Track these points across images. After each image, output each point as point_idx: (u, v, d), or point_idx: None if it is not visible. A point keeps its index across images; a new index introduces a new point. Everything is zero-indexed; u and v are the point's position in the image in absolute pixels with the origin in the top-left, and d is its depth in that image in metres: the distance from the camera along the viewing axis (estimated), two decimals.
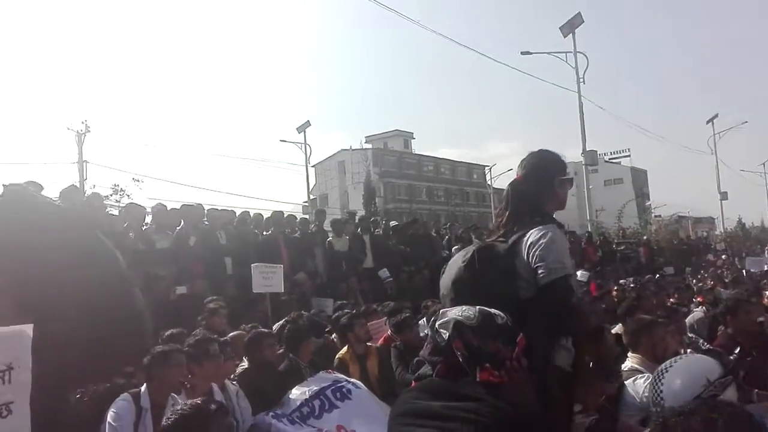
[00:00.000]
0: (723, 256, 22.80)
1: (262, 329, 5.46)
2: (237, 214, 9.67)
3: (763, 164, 43.92)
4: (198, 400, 2.76)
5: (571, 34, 21.05)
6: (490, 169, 48.33)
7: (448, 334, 1.82)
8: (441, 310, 1.92)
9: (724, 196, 35.18)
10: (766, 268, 16.32)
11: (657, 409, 1.73)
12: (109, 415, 3.51)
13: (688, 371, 1.94)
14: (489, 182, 47.51)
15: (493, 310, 1.92)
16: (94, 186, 23.34)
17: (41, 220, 1.37)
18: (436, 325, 1.87)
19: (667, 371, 1.95)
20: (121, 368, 3.31)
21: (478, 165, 63.36)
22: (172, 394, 3.78)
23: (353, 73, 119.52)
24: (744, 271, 15.48)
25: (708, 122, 34.38)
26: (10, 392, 1.68)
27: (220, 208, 9.72)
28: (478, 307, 1.91)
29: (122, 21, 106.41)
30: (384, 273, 10.22)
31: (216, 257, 8.16)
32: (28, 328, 1.73)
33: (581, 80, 21.57)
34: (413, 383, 4.70)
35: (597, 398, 2.93)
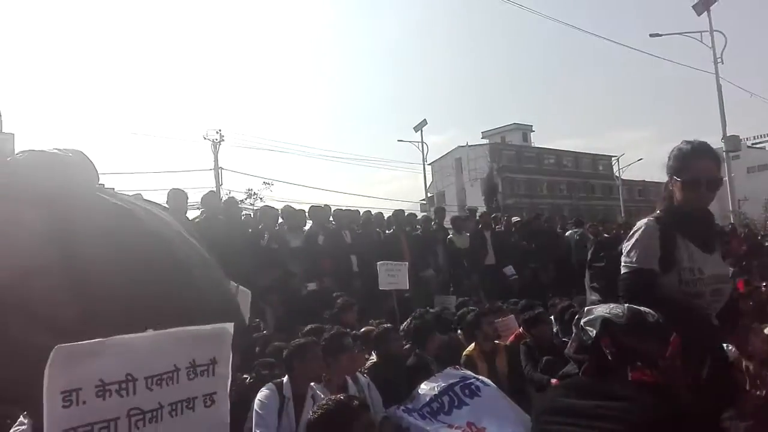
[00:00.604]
0: None
1: (389, 325, 5.61)
2: (360, 214, 9.99)
3: None
4: (341, 396, 2.89)
5: (705, 12, 19.44)
6: (618, 159, 45.73)
7: (595, 332, 1.77)
8: (586, 308, 1.88)
9: None
10: None
11: None
12: (256, 403, 3.76)
13: None
14: (617, 173, 44.98)
15: (643, 308, 1.85)
16: (230, 192, 25.06)
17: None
18: (582, 323, 1.83)
19: None
20: None
21: (605, 156, 60.29)
22: (312, 384, 3.98)
23: (468, 67, 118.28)
24: None
25: None
26: (213, 384, 1.92)
27: (344, 208, 10.07)
28: (626, 304, 1.86)
29: (245, 31, 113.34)
30: (509, 270, 10.06)
31: (342, 255, 8.48)
32: (230, 326, 1.98)
33: (719, 60, 19.85)
34: (555, 381, 4.65)
35: (752, 402, 2.71)
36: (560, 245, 11.63)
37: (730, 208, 21.45)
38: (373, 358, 5.23)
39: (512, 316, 6.44)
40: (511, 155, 55.10)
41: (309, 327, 5.29)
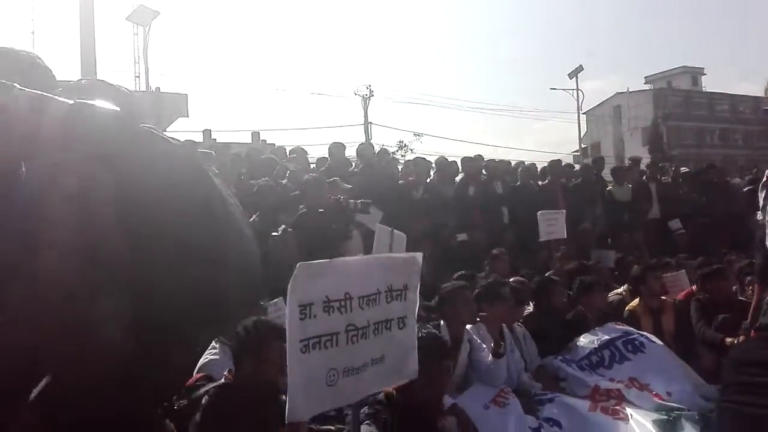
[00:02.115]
0: None
1: (551, 276, 5.52)
2: (510, 165, 9.75)
3: None
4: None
5: None
6: None
7: None
8: None
9: None
10: None
11: None
12: None
13: None
14: None
15: None
16: (382, 145, 25.78)
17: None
18: None
19: None
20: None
21: None
22: (467, 327, 4.06)
23: (629, 6, 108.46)
24: None
25: None
26: (405, 308, 2.11)
27: (497, 159, 9.89)
28: None
29: None
30: (675, 224, 9.31)
31: (493, 207, 8.38)
32: (419, 256, 2.13)
33: None
34: (731, 341, 4.30)
35: None
36: (733, 199, 10.50)
37: None
38: (530, 308, 5.19)
39: (683, 271, 6.00)
40: (678, 101, 50.12)
41: (459, 273, 5.39)
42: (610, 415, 3.76)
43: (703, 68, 55.48)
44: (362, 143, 9.29)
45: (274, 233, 5.58)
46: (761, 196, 2.37)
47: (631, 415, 3.73)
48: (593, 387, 4.18)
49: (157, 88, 19.06)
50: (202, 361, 3.41)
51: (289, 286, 1.78)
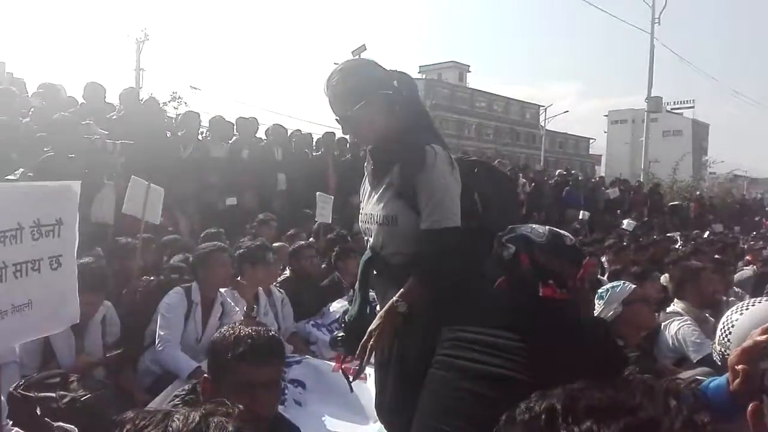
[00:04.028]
0: None
1: (304, 242, 5.63)
2: (289, 132, 9.71)
3: None
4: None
5: None
6: (545, 109, 46.83)
7: (514, 249, 1.83)
8: (510, 227, 1.93)
9: None
10: None
11: (722, 348, 1.72)
12: (162, 306, 3.68)
13: (760, 318, 1.89)
14: (542, 123, 46.19)
15: (563, 232, 1.93)
16: (151, 94, 23.68)
17: None
18: (503, 240, 1.88)
19: (741, 312, 1.90)
20: None
21: (532, 104, 61.55)
22: (221, 290, 3.94)
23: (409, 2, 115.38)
24: None
25: None
26: (59, 246, 1.79)
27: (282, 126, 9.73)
28: (548, 226, 1.93)
29: None
30: None
31: (269, 172, 8.26)
32: (76, 185, 1.83)
33: (656, 21, 20.43)
34: None
35: (637, 335, 2.95)
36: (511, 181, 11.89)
37: (642, 167, 22.65)
38: (287, 273, 5.24)
39: None
40: (445, 93, 55.14)
41: (206, 231, 5.40)
42: (351, 374, 3.96)
43: (469, 66, 61.79)
44: (126, 88, 8.39)
45: (10, 176, 4.77)
46: None
47: (370, 374, 3.98)
48: None
49: None
50: None
51: None
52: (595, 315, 2.78)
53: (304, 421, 2.86)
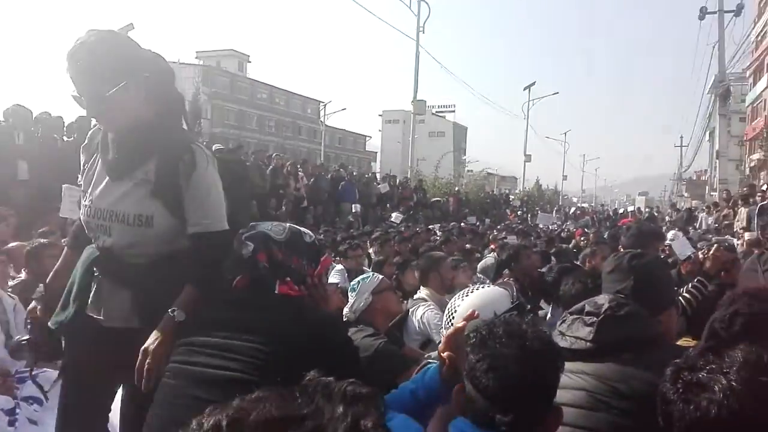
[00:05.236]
0: (519, 212, 25.56)
1: (45, 241, 4.99)
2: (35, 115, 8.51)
3: (564, 134, 49.75)
4: None
5: None
6: (325, 105, 48.11)
7: (253, 247, 1.81)
8: (252, 224, 1.90)
9: (528, 158, 39.15)
10: (552, 224, 19.07)
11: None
12: None
13: (480, 302, 2.11)
14: (322, 119, 47.38)
15: (303, 229, 1.97)
16: None
17: None
18: (243, 237, 1.85)
19: (462, 299, 2.13)
20: None
21: (313, 100, 62.67)
22: None
23: None
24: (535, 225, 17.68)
25: (525, 89, 37.48)
26: None
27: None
28: (289, 224, 1.94)
29: None
30: None
31: (7, 159, 7.16)
32: None
33: (421, 29, 22.19)
34: None
35: (388, 322, 3.15)
36: (255, 177, 11.83)
37: (409, 165, 24.57)
38: (22, 275, 4.59)
39: None
40: (225, 82, 53.39)
41: None
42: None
43: (249, 56, 60.58)
44: None
45: None
46: None
47: None
48: None
49: None
50: None
51: None
52: (347, 307, 2.92)
53: None
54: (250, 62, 60.08)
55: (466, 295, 2.15)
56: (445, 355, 1.60)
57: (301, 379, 0.76)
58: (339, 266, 6.07)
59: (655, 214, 24.93)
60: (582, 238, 10.97)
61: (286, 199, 12.54)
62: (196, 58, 54.72)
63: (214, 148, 12.08)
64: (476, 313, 1.78)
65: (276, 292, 1.77)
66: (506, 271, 5.84)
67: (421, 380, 1.66)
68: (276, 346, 1.61)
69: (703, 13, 19.25)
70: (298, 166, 14.25)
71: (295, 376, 0.79)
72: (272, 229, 1.86)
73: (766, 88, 36.75)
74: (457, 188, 24.90)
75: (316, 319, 1.76)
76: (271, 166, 12.88)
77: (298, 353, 1.54)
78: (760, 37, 36.01)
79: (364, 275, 3.11)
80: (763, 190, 12.67)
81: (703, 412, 1.07)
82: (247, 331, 1.64)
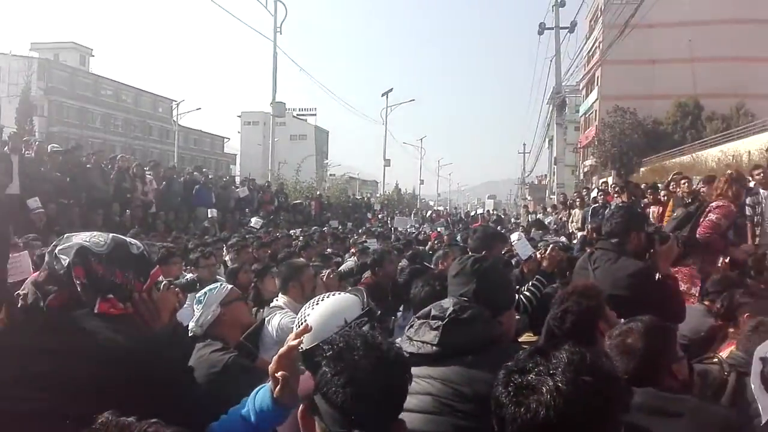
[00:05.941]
0: (379, 215, 26.14)
1: None
2: None
3: (421, 139, 51.85)
4: None
5: None
6: (178, 104, 45.80)
7: (68, 261, 1.59)
8: (67, 235, 1.67)
9: (387, 163, 40.20)
10: (409, 227, 19.71)
11: None
12: None
13: (331, 310, 2.06)
14: (175, 118, 45.03)
15: (130, 239, 1.76)
16: None
17: None
18: (57, 250, 1.62)
19: (312, 308, 2.06)
20: None
21: (165, 98, 59.40)
22: None
23: None
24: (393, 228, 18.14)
25: (383, 95, 38.41)
26: None
27: None
28: (112, 234, 1.73)
29: None
30: (34, 203, 8.84)
31: None
32: None
33: (278, 30, 21.90)
34: None
35: (238, 334, 3.01)
36: (105, 181, 11.00)
37: (269, 168, 24.14)
38: None
39: (26, 252, 5.63)
40: (64, 77, 48.78)
41: None
42: None
43: (92, 49, 55.98)
44: None
45: None
46: None
47: None
48: None
49: None
50: None
51: None
52: (193, 321, 2.73)
53: None
54: (93, 56, 55.59)
55: (317, 304, 2.09)
56: (279, 375, 1.51)
57: (95, 421, 0.65)
58: (189, 275, 5.73)
59: (502, 216, 26.69)
60: (437, 241, 11.40)
61: (133, 204, 11.68)
62: (31, 50, 49.48)
63: (49, 148, 10.97)
64: (309, 326, 1.72)
65: (95, 311, 1.56)
66: (366, 275, 5.89)
67: (252, 403, 1.55)
68: (85, 372, 1.41)
69: (542, 28, 20.97)
70: (146, 169, 13.31)
71: (108, 406, 0.71)
72: (91, 240, 1.64)
73: (596, 100, 41.12)
74: (319, 192, 24.87)
75: (132, 343, 1.53)
76: (115, 169, 11.94)
77: (107, 382, 1.37)
78: (590, 53, 40.15)
79: (211, 286, 2.94)
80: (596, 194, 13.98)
81: (532, 414, 1.10)
82: (56, 356, 1.42)
